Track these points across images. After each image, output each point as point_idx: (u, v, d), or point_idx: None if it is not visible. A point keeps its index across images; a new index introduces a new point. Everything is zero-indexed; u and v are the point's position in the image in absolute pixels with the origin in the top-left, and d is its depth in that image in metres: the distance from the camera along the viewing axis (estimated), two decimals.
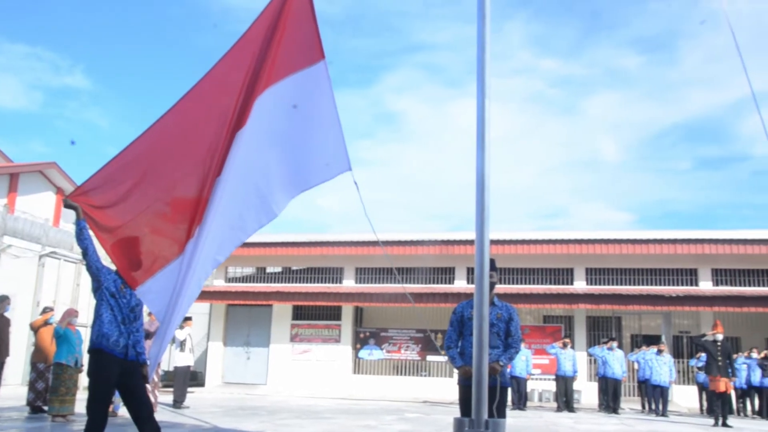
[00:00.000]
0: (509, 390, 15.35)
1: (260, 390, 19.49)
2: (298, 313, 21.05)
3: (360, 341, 20.50)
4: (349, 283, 21.04)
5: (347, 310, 20.62)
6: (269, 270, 22.44)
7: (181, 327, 13.05)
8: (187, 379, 13.30)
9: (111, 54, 62.74)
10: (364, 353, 20.36)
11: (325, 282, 21.31)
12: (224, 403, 14.46)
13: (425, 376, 19.85)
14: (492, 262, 5.06)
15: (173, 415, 11.05)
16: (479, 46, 4.21)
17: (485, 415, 3.75)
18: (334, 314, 20.74)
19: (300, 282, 21.59)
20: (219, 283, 21.72)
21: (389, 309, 20.65)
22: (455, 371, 5.35)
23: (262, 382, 20.39)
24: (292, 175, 5.30)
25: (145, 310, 5.12)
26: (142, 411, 4.76)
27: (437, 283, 20.45)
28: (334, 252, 20.48)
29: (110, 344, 4.68)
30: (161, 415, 9.72)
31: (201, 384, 20.58)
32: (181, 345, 13.13)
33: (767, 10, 65.67)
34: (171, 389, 13.34)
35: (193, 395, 16.02)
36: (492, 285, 5.11)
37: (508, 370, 16.17)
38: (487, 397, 3.83)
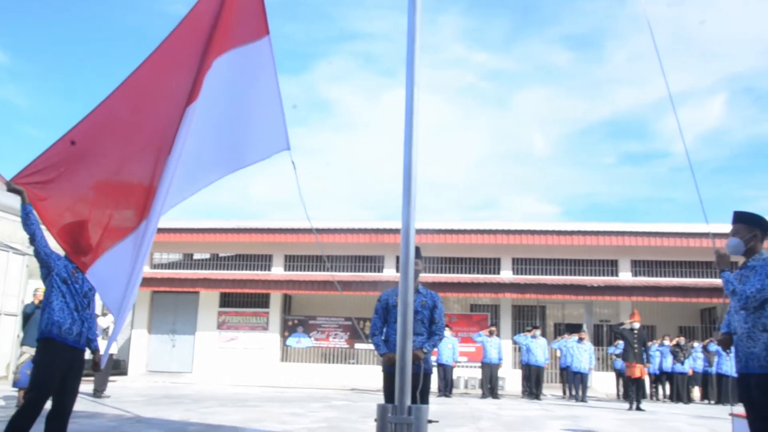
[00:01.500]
0: (435, 377, 15.63)
1: (185, 378, 19.17)
2: (226, 301, 20.77)
3: (288, 329, 20.40)
4: (277, 271, 20.89)
5: (275, 298, 20.47)
6: (197, 256, 22.05)
7: (104, 314, 12.69)
8: (109, 367, 12.96)
9: (32, 27, 59.99)
10: (292, 341, 20.27)
11: (254, 269, 21.07)
12: (148, 392, 14.16)
13: (353, 363, 19.92)
14: (417, 250, 5.11)
15: (94, 405, 10.76)
16: (409, 36, 4.23)
17: (408, 402, 3.79)
18: (262, 302, 20.56)
19: (228, 269, 21.29)
20: (144, 269, 21.19)
21: (318, 297, 20.63)
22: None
23: (187, 371, 20.05)
24: (232, 150, 5.14)
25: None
26: (68, 404, 4.64)
27: (366, 271, 20.51)
28: (263, 239, 20.27)
29: (62, 332, 4.53)
30: (80, 404, 9.44)
31: (124, 372, 20.07)
32: (104, 332, 12.77)
33: (687, 13, 68.26)
34: (91, 378, 12.97)
35: (116, 384, 15.62)
36: (417, 273, 5.17)
37: (435, 357, 16.28)
38: (411, 383, 3.88)
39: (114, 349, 13.21)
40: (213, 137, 4.97)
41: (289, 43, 71.27)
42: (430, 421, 3.97)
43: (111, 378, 13.75)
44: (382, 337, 5.39)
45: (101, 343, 12.95)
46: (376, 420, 3.82)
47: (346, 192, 65.39)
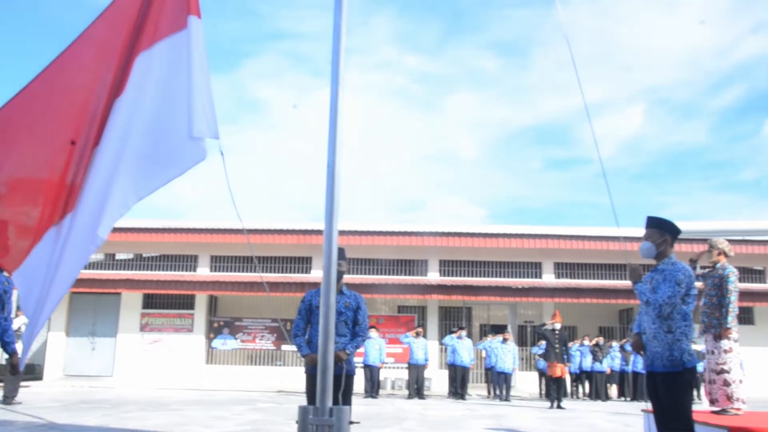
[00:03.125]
0: (362, 378, 15.65)
1: (106, 382, 18.56)
2: (149, 302, 20.24)
3: (214, 330, 20.04)
4: (203, 272, 20.50)
5: (201, 299, 20.08)
6: (119, 257, 21.40)
7: (16, 315, 12.14)
8: (21, 371, 12.38)
9: None
10: (217, 343, 19.93)
11: (179, 270, 20.62)
12: (64, 397, 13.63)
13: (280, 365, 19.74)
14: (341, 251, 5.11)
15: (3, 412, 10.28)
16: (335, 36, 4.23)
17: (330, 403, 3.79)
18: (187, 303, 20.13)
19: (152, 269, 20.75)
20: None
21: (245, 298, 20.34)
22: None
23: (108, 374, 19.43)
24: (165, 147, 4.84)
25: None
26: None
27: (294, 272, 20.38)
28: (189, 239, 19.87)
29: None
30: None
31: (38, 377, 19.29)
32: (15, 334, 12.21)
33: (609, 25, 70.68)
34: (0, 383, 12.40)
35: (29, 390, 14.99)
36: (341, 274, 5.17)
37: (361, 358, 16.25)
38: (334, 384, 3.87)
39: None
40: (149, 133, 4.73)
41: (218, 41, 70.15)
42: (351, 422, 3.98)
43: (23, 383, 13.17)
44: (305, 338, 5.36)
45: (20, 347, 12.43)
46: (297, 422, 3.80)
47: (274, 192, 64.80)
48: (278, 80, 68.18)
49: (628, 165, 70.63)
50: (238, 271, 20.36)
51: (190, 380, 18.64)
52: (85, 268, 19.84)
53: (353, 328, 5.33)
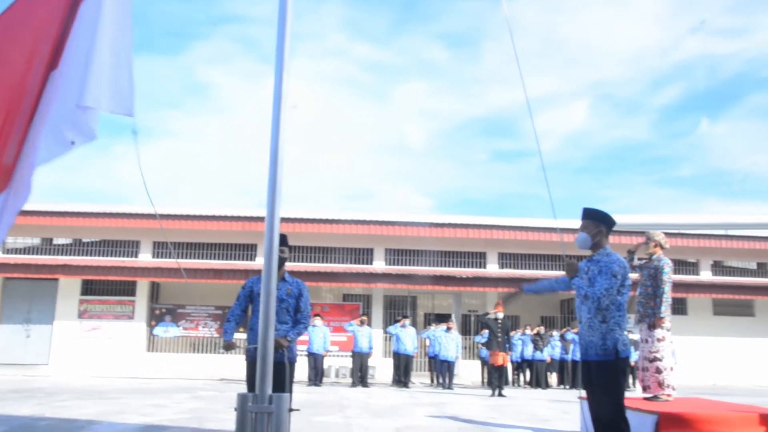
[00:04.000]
0: (306, 366, 15.61)
1: (41, 371, 18.05)
2: (88, 288, 19.74)
3: (155, 318, 19.69)
4: (145, 258, 20.09)
5: (142, 286, 19.70)
6: (57, 241, 20.79)
7: None
8: None
9: None
10: (159, 330, 19.59)
11: (120, 255, 20.17)
12: None
13: (223, 353, 19.51)
14: (284, 237, 5.07)
15: None
16: (280, 20, 4.16)
17: (269, 391, 3.75)
18: (128, 290, 19.72)
19: (91, 255, 20.24)
20: None
21: (188, 285, 20.03)
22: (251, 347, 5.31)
23: (43, 362, 18.89)
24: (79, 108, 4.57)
25: None
26: None
27: (239, 259, 20.16)
28: (130, 224, 19.42)
29: None
30: None
31: None
32: None
33: (558, 20, 71.77)
34: None
35: None
36: (283, 260, 5.13)
37: (305, 346, 16.16)
38: (274, 372, 3.84)
39: None
40: (69, 96, 4.45)
41: (165, 22, 68.57)
42: (291, 410, 3.95)
43: None
44: (235, 324, 5.33)
45: None
46: (235, 409, 3.76)
47: (222, 178, 63.90)
48: (228, 65, 67.17)
49: (572, 158, 72.09)
50: (182, 257, 20.01)
51: (130, 368, 18.28)
52: (20, 252, 19.23)
53: (295, 315, 5.30)
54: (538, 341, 17.61)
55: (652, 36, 69.69)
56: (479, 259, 21.09)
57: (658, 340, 7.06)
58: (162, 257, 20.11)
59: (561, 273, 5.15)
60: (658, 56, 68.64)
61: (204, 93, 70.05)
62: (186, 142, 65.10)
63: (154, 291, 20.40)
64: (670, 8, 69.00)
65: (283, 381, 4.78)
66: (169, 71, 72.14)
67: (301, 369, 16.99)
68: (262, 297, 3.85)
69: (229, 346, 5.21)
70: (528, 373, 18.06)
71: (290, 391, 4.91)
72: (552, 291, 5.44)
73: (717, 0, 68.25)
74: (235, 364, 18.38)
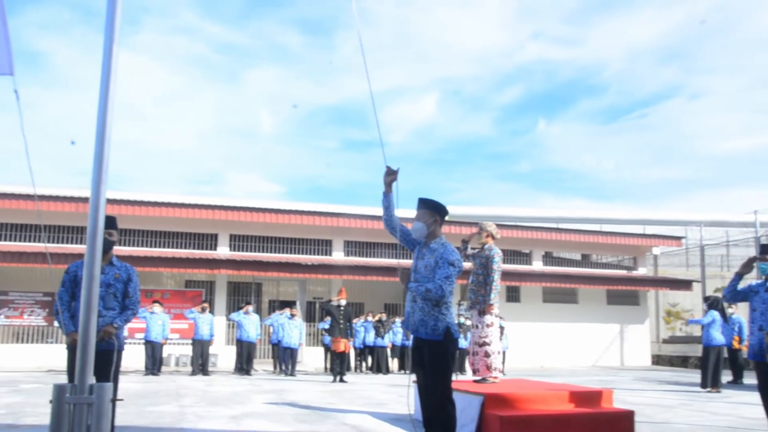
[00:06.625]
0: (143, 354, 14.97)
1: None
2: None
3: None
4: None
5: None
6: None
7: None
8: None
9: None
10: None
11: None
12: None
13: (52, 342, 18.27)
14: (112, 220, 4.82)
15: None
16: None
17: (90, 380, 3.55)
18: None
19: None
20: None
21: (10, 269, 18.50)
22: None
23: None
24: None
25: None
26: None
27: (70, 242, 18.93)
28: None
29: None
30: None
31: None
32: None
33: (411, 14, 73.49)
34: None
35: None
36: (111, 244, 4.88)
37: (143, 334, 15.51)
38: (101, 361, 3.65)
39: None
40: None
41: None
42: (114, 400, 3.78)
43: None
44: (69, 314, 4.99)
45: None
46: (51, 401, 3.52)
47: (58, 154, 59.70)
48: (64, 34, 62.64)
49: (419, 151, 74.29)
50: (7, 240, 18.47)
51: None
52: None
53: (123, 301, 5.05)
54: (380, 328, 18.03)
55: (497, 38, 73.21)
56: (325, 246, 21.23)
57: (488, 325, 7.46)
58: None
59: (408, 262, 5.28)
60: (502, 57, 72.24)
61: (36, 61, 64.97)
62: (13, 115, 60.10)
63: None
64: (514, 13, 72.81)
65: (108, 370, 4.56)
66: None
67: (139, 358, 16.30)
68: (84, 282, 3.64)
69: (74, 341, 4.70)
70: (370, 359, 18.44)
71: (116, 381, 4.68)
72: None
73: (555, 10, 72.89)
74: (65, 355, 17.29)
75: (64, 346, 5.02)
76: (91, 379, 3.59)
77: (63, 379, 12.19)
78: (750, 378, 13.00)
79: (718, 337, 13.09)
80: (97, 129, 3.82)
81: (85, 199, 18.27)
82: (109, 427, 3.41)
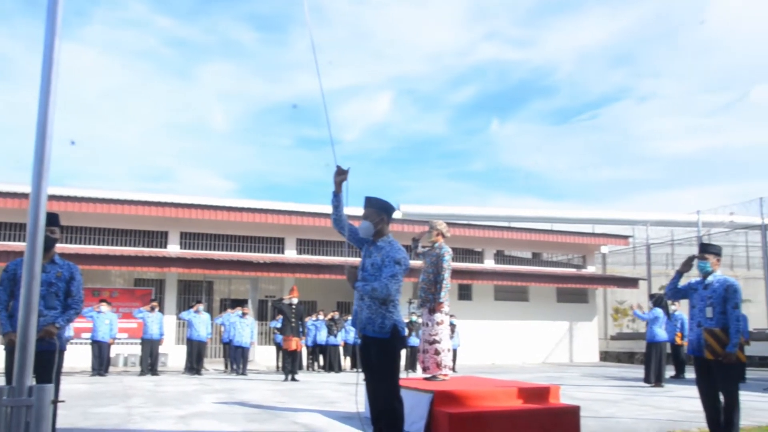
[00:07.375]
0: (89, 354, 14.66)
1: None
2: None
3: None
4: None
5: None
6: None
7: None
8: None
9: None
10: None
11: None
12: None
13: None
14: (54, 217, 4.71)
15: None
16: None
17: (29, 381, 3.46)
18: None
19: None
20: None
21: None
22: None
23: None
24: None
25: None
26: None
27: (17, 240, 18.39)
28: None
29: None
30: None
31: None
32: None
33: (366, 12, 73.48)
34: None
35: None
36: (53, 241, 4.76)
37: (90, 333, 15.16)
38: (42, 361, 3.56)
39: None
40: None
41: None
42: (55, 401, 3.69)
43: None
44: (8, 313, 4.84)
45: None
46: None
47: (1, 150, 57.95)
48: (6, 24, 60.78)
49: (374, 149, 74.37)
50: None
51: None
52: None
53: (65, 300, 4.93)
54: (332, 326, 17.99)
55: (451, 37, 73.74)
56: (277, 244, 21.09)
57: (438, 323, 7.52)
58: None
59: (357, 260, 5.27)
60: (456, 57, 72.80)
61: None
62: None
63: None
64: (468, 13, 73.44)
65: (49, 371, 4.44)
66: None
67: (85, 358, 15.94)
68: (24, 280, 3.56)
69: (11, 342, 4.56)
70: (322, 357, 18.38)
71: (57, 382, 4.57)
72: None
73: (508, 12, 73.78)
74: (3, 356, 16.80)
75: (2, 347, 4.87)
76: (31, 381, 3.51)
77: (2, 381, 11.85)
78: (691, 373, 13.40)
79: (661, 333, 13.43)
80: (38, 122, 3.73)
81: (27, 195, 17.76)
82: (49, 429, 3.33)
